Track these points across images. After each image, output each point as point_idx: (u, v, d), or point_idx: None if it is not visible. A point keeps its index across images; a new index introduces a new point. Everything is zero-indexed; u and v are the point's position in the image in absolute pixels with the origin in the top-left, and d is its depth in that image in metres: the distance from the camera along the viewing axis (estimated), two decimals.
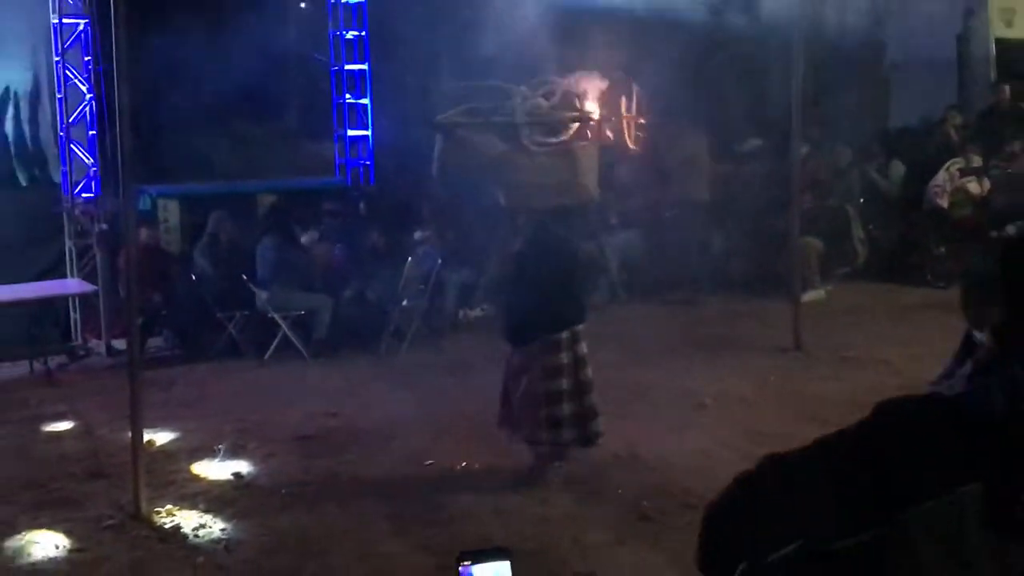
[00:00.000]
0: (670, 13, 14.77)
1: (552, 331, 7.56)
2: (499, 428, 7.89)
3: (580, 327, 7.66)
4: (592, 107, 8.48)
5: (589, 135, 8.02)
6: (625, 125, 8.32)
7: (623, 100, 8.37)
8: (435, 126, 7.71)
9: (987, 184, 13.61)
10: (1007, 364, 1.95)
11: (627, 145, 8.21)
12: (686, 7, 14.33)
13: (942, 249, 13.50)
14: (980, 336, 2.69)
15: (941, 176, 13.71)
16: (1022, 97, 14.80)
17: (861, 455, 2.00)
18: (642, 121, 8.48)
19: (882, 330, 11.34)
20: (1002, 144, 13.94)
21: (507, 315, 7.72)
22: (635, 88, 8.55)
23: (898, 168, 14.55)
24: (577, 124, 7.98)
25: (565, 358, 7.55)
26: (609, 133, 8.06)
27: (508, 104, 11.01)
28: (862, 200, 14.11)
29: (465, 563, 2.16)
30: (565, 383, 7.53)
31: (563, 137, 8.16)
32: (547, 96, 7.96)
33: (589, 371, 7.68)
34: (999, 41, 15.67)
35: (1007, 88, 14.77)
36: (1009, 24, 15.80)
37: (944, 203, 13.57)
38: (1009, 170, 13.76)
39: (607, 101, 8.21)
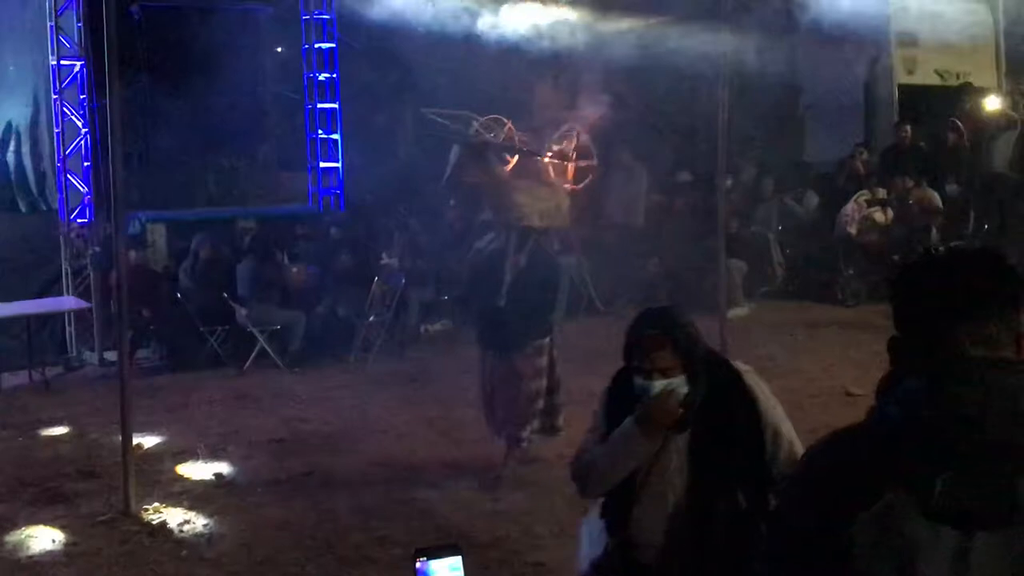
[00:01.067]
0: (611, 62, 14.93)
1: (541, 336, 7.68)
2: (488, 427, 7.95)
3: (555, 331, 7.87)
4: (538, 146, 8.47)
5: (563, 174, 8.13)
6: (569, 167, 8.30)
7: (566, 142, 8.36)
8: (454, 139, 7.78)
9: (890, 213, 13.79)
10: (900, 377, 1.98)
11: (569, 183, 8.24)
12: (627, 60, 14.46)
13: (851, 271, 13.65)
14: None
15: (850, 206, 13.87)
16: (922, 137, 15.02)
17: (803, 501, 2.06)
18: (583, 164, 8.48)
19: (798, 343, 11.43)
20: (904, 178, 14.11)
21: (497, 323, 7.68)
22: (579, 132, 8.54)
23: (812, 198, 14.69)
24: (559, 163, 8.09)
25: (546, 360, 7.70)
26: (552, 172, 8.09)
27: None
28: (780, 227, 14.25)
29: (421, 559, 2.16)
30: (543, 382, 7.67)
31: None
32: (493, 133, 7.97)
33: (558, 370, 7.83)
34: (901, 87, 15.87)
35: (908, 128, 14.96)
36: (911, 71, 16.01)
37: (853, 230, 13.71)
38: (909, 201, 13.94)
39: (552, 142, 8.22)
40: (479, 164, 7.98)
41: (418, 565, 2.18)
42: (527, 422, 7.66)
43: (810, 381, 9.85)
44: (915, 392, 1.92)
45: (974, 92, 15.69)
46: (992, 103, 15.06)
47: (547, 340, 7.73)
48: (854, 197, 13.95)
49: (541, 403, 7.70)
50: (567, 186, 8.29)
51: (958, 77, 16.43)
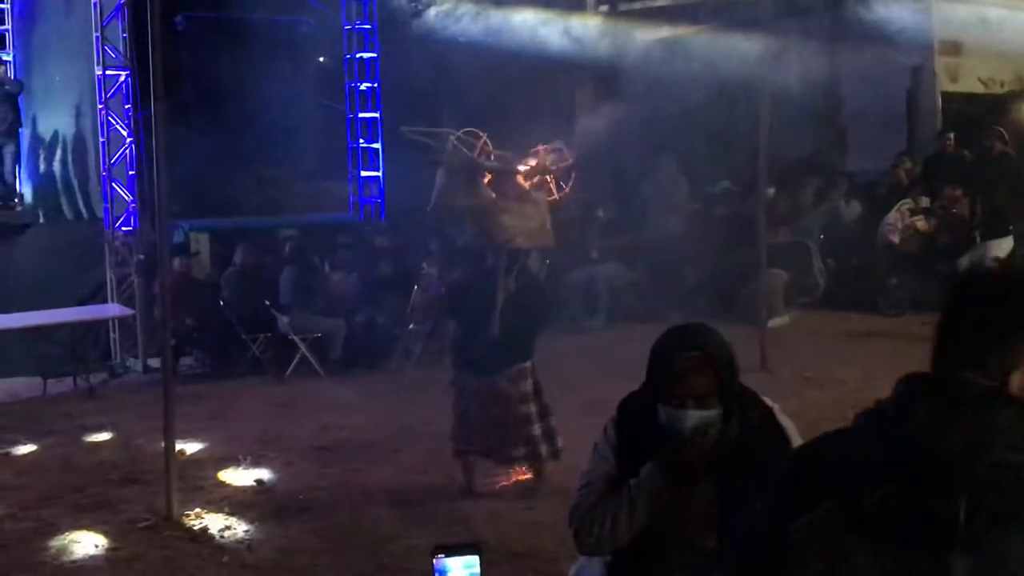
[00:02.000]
0: (653, 76, 14.91)
1: (523, 360, 7.52)
2: (458, 450, 7.70)
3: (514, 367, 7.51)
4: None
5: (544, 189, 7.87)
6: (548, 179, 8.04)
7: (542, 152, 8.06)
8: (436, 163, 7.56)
9: (933, 222, 13.67)
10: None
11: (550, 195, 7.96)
12: (669, 68, 14.45)
13: (893, 280, 13.53)
14: None
15: (893, 215, 13.77)
16: (965, 145, 14.87)
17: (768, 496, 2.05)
18: (562, 167, 8.20)
19: (838, 353, 11.32)
20: (945, 187, 13.98)
21: (478, 344, 7.60)
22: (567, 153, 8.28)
23: (855, 207, 14.58)
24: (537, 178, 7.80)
25: (531, 385, 7.52)
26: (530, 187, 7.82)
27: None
28: (822, 236, 14.15)
29: (439, 556, 2.17)
30: (533, 407, 7.48)
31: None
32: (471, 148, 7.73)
33: (544, 395, 7.61)
34: (945, 95, 15.73)
35: (951, 136, 14.83)
36: (954, 79, 15.87)
37: (896, 239, 13.61)
38: (953, 210, 13.81)
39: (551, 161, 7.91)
40: (467, 187, 7.78)
41: (435, 562, 2.19)
42: (519, 443, 7.47)
43: (851, 393, 9.74)
44: (883, 404, 1.93)
45: (1019, 99, 15.53)
46: None
47: (528, 364, 7.55)
48: (897, 206, 13.84)
49: (537, 429, 7.48)
50: (549, 199, 8.02)
51: (1002, 85, 16.28)
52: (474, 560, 2.18)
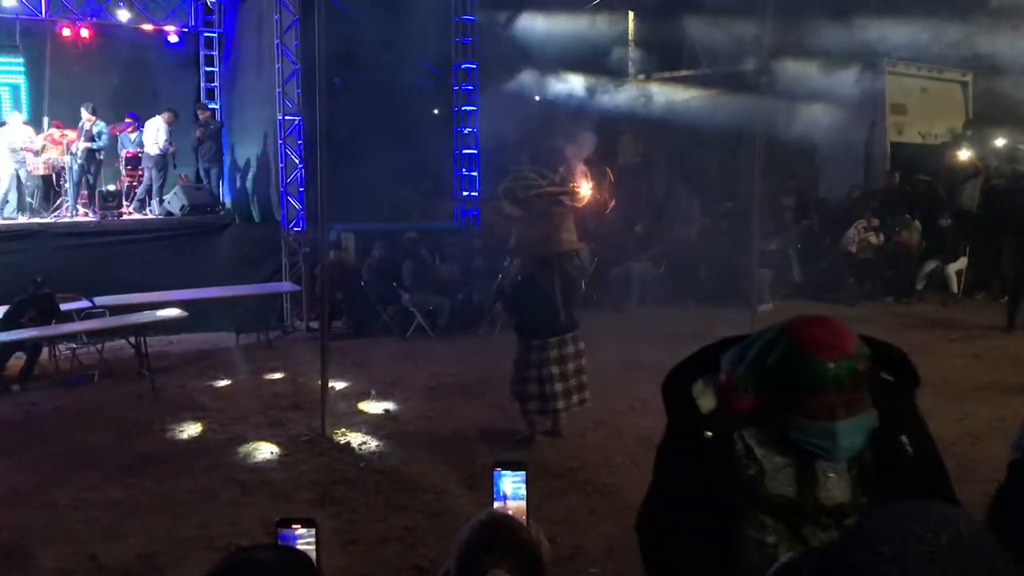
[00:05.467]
0: (676, 126, 14.80)
1: (575, 328, 7.28)
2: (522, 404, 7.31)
3: (568, 335, 7.18)
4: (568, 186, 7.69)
5: (566, 204, 7.41)
6: (596, 198, 7.63)
7: (597, 183, 7.67)
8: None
9: (882, 237, 13.43)
10: None
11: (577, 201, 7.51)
12: (689, 123, 14.34)
13: (851, 280, 13.34)
14: None
15: (851, 231, 13.55)
16: (907, 181, 14.62)
17: None
18: (609, 200, 7.85)
19: None
20: (891, 212, 13.80)
21: (552, 318, 7.16)
22: (608, 173, 7.95)
23: (823, 225, 14.36)
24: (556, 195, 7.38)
25: (554, 353, 7.11)
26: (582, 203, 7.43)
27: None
28: (799, 245, 13.94)
29: (498, 469, 2.16)
30: (555, 370, 7.11)
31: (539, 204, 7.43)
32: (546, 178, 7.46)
33: (571, 365, 7.18)
34: (893, 144, 15.43)
35: (897, 175, 14.61)
36: (900, 132, 15.56)
37: (853, 249, 13.40)
38: (897, 228, 13.61)
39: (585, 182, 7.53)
40: (527, 209, 7.46)
41: (494, 473, 2.19)
42: (529, 398, 7.17)
43: None
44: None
45: (948, 148, 15.21)
46: (961, 157, 14.57)
47: (551, 339, 7.14)
48: (854, 224, 13.61)
49: (557, 387, 7.15)
50: (578, 204, 7.65)
51: (936, 137, 15.95)
52: (521, 475, 2.17)
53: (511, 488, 2.11)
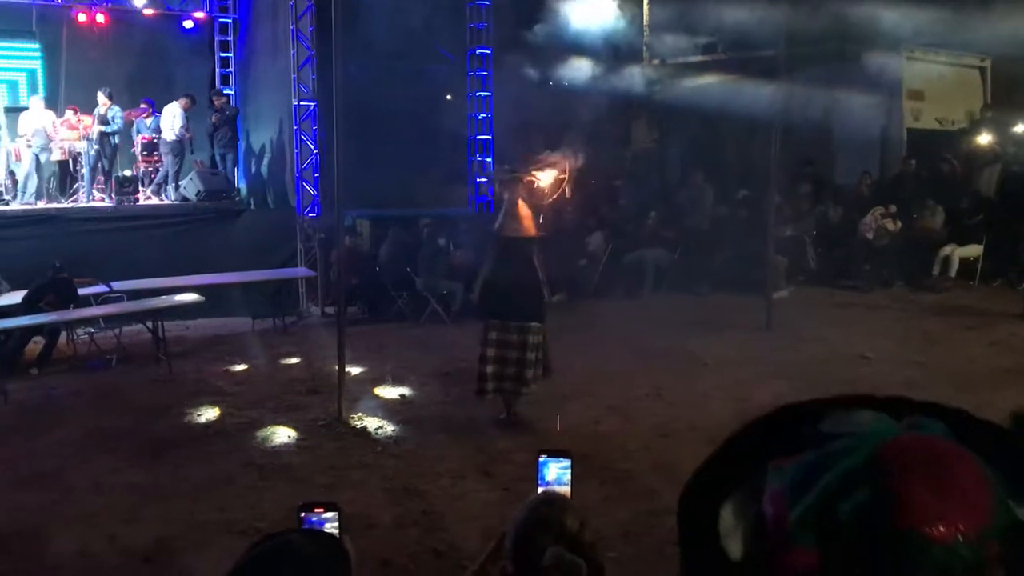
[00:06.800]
0: (690, 112, 14.70)
1: (540, 320, 7.24)
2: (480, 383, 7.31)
3: (531, 324, 7.14)
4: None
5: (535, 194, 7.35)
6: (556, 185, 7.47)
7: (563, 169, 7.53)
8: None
9: (899, 224, 13.31)
10: None
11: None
12: (703, 109, 14.23)
13: (867, 266, 13.23)
14: None
15: (868, 217, 13.42)
16: (924, 168, 14.51)
17: None
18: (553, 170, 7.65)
19: (824, 318, 11.12)
20: (910, 198, 13.67)
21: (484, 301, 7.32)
22: (570, 159, 7.75)
23: (839, 211, 14.23)
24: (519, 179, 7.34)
25: (514, 338, 7.12)
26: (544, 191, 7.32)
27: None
28: (814, 232, 13.86)
29: (543, 456, 2.19)
30: (514, 354, 7.12)
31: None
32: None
33: (530, 354, 7.12)
34: (909, 130, 15.30)
35: (912, 161, 14.49)
36: (916, 119, 15.42)
37: (870, 235, 13.27)
38: (914, 215, 13.49)
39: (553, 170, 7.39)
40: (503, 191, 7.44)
41: (540, 461, 2.21)
42: (528, 382, 7.18)
43: (834, 347, 9.59)
44: None
45: (966, 134, 15.08)
46: (979, 143, 14.44)
47: (512, 323, 7.15)
48: (871, 210, 13.50)
49: (541, 369, 7.22)
50: (540, 200, 7.49)
51: (953, 123, 15.81)
52: (566, 462, 2.20)
53: (556, 475, 2.15)
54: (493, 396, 7.30)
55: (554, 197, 7.48)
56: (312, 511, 1.84)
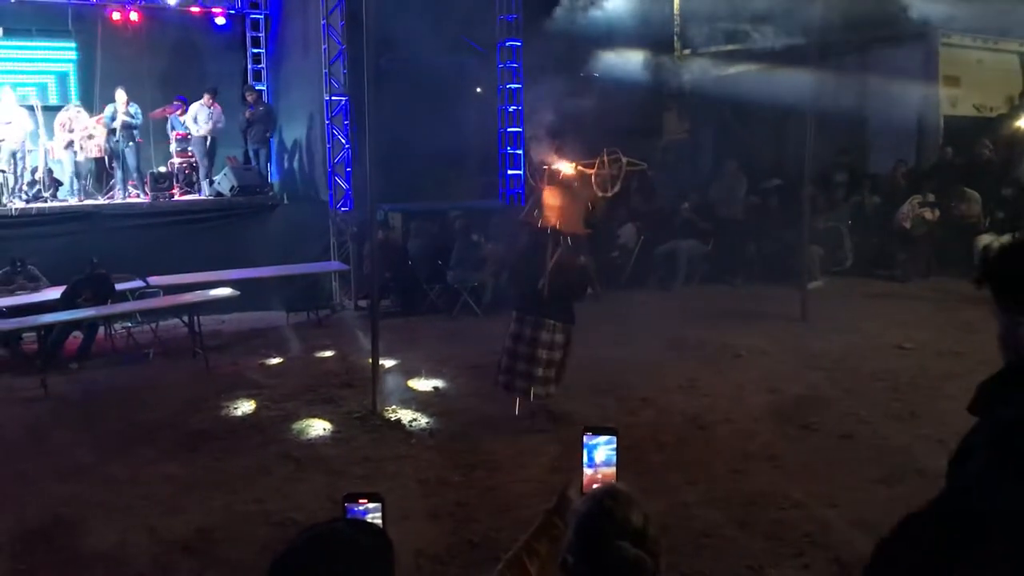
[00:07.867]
0: (722, 102, 14.56)
1: (566, 320, 7.04)
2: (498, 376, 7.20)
3: (548, 320, 6.93)
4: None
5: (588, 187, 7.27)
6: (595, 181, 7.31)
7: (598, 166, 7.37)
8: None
9: (937, 213, 13.10)
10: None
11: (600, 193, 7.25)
12: (736, 98, 14.11)
13: (903, 256, 13.04)
14: None
15: (905, 206, 13.22)
16: (960, 156, 14.26)
17: None
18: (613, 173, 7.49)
19: (860, 309, 10.97)
20: (949, 186, 13.44)
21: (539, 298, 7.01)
22: (613, 158, 7.56)
23: (875, 200, 14.04)
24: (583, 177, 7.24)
25: (527, 332, 6.97)
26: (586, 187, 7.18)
27: None
28: (850, 221, 13.68)
29: (588, 434, 2.16)
30: (524, 349, 6.98)
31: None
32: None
33: (541, 352, 6.92)
34: (946, 117, 15.04)
35: (949, 149, 14.26)
36: (953, 105, 15.16)
37: (907, 225, 13.07)
38: (951, 204, 13.26)
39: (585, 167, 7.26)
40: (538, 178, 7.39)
41: (585, 437, 2.19)
42: (543, 382, 6.96)
43: (870, 338, 9.47)
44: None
45: (1005, 121, 14.80)
46: (1021, 128, 14.17)
47: (528, 316, 6.99)
48: (909, 199, 13.30)
49: (553, 372, 6.98)
50: (592, 196, 7.23)
51: (991, 110, 15.52)
52: (612, 439, 2.17)
53: (604, 454, 2.13)
54: (503, 389, 7.17)
55: (611, 193, 7.39)
56: (356, 501, 1.85)
